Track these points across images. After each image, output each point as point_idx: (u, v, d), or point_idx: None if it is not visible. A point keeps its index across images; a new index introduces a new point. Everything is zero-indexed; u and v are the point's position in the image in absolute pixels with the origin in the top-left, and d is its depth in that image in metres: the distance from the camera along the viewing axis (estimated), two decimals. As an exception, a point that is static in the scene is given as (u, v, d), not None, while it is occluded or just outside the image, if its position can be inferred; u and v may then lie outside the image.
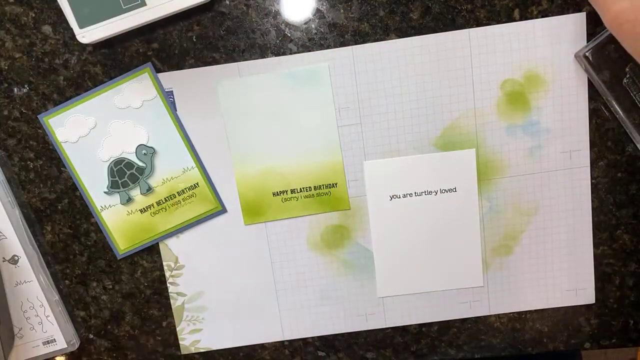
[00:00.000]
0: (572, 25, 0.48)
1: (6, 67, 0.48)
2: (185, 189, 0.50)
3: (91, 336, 0.54)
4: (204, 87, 0.49)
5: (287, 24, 0.48)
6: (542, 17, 0.47)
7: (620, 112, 0.47)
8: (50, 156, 0.50)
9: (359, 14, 0.47)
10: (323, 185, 0.50)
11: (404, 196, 0.51)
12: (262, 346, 0.54)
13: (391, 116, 0.49)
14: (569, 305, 0.53)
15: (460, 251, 0.52)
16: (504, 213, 0.51)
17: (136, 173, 0.50)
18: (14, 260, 0.49)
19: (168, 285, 0.53)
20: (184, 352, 0.54)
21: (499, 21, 0.48)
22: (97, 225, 0.51)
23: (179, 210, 0.51)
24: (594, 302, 0.53)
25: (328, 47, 0.48)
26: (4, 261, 0.49)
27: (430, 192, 0.50)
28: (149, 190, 0.50)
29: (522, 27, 0.48)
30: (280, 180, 0.50)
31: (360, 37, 0.48)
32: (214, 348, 0.54)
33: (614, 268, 0.52)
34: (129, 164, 0.49)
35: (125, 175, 0.50)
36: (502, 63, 0.48)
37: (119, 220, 0.51)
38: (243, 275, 0.52)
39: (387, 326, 0.53)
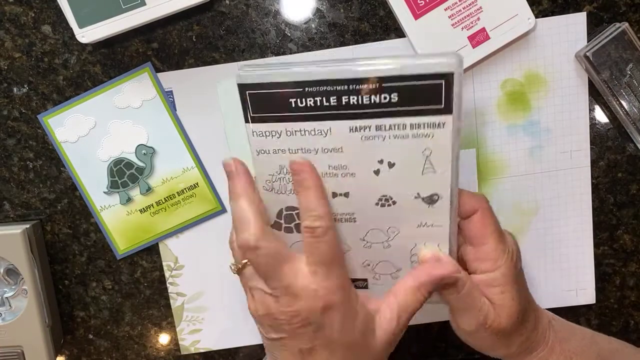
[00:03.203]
0: (573, 25, 0.47)
1: (6, 67, 0.48)
2: (184, 189, 0.50)
3: (91, 336, 0.54)
4: (203, 87, 0.48)
5: (287, 24, 0.48)
6: (542, 17, 0.47)
7: (621, 112, 0.47)
8: (49, 156, 0.50)
9: (359, 13, 0.47)
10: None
11: (404, 196, 0.50)
12: (262, 346, 0.54)
13: (391, 116, 0.49)
14: (569, 305, 0.53)
15: (460, 251, 0.51)
16: (505, 213, 0.51)
17: (136, 173, 0.50)
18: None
19: (168, 285, 0.52)
20: (183, 352, 0.54)
21: (499, 21, 0.48)
22: (97, 226, 0.51)
23: (178, 210, 0.51)
24: (594, 302, 0.53)
25: (328, 47, 0.48)
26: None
27: (430, 192, 0.50)
28: (149, 190, 0.50)
29: (523, 27, 0.48)
30: (280, 180, 0.50)
31: (360, 37, 0.48)
32: (214, 348, 0.54)
33: (614, 268, 0.52)
34: (129, 164, 0.49)
35: (125, 175, 0.49)
36: (502, 63, 0.48)
37: (119, 221, 0.50)
38: (243, 275, 0.52)
39: (387, 326, 0.53)
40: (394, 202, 0.36)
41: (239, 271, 0.36)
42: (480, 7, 0.45)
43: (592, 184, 0.51)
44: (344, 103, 0.33)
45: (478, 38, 0.45)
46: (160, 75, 0.48)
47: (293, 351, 0.35)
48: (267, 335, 0.36)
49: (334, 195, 0.36)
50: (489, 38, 0.46)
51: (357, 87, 0.33)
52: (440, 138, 0.33)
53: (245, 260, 0.35)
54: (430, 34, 0.45)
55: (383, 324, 0.36)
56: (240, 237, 0.34)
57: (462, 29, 0.45)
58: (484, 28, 0.45)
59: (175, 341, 0.54)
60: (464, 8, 0.45)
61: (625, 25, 0.46)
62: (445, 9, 0.45)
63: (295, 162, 0.34)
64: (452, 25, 0.45)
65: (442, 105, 0.32)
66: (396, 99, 0.33)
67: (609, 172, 0.51)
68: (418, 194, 0.36)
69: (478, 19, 0.45)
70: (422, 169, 0.35)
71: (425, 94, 0.32)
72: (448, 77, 0.32)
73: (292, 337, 0.35)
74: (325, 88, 0.33)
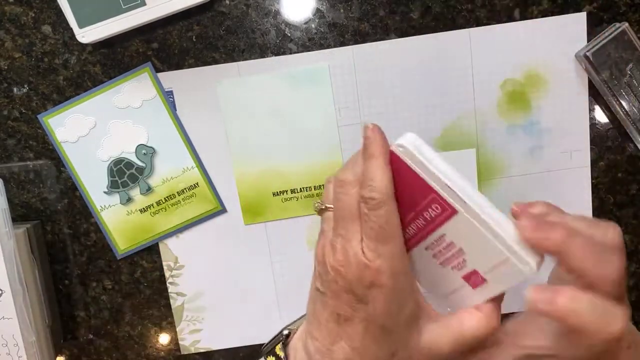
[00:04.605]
0: (572, 25, 0.47)
1: (6, 67, 0.48)
2: (185, 188, 0.50)
3: (91, 336, 0.54)
4: (204, 87, 0.49)
5: (287, 24, 0.48)
6: (542, 17, 0.47)
7: (621, 112, 0.47)
8: (50, 156, 0.50)
9: (359, 14, 0.47)
10: (323, 185, 0.50)
11: (404, 196, 0.50)
12: (262, 346, 0.54)
13: (391, 116, 0.49)
14: (569, 305, 0.53)
15: (460, 251, 0.51)
16: (504, 213, 0.51)
17: (136, 173, 0.50)
18: None
19: (168, 285, 0.52)
20: (184, 352, 0.54)
21: (499, 21, 0.48)
22: (97, 225, 0.51)
23: (178, 210, 0.51)
24: (594, 302, 0.53)
25: (328, 47, 0.48)
26: None
27: (430, 192, 0.50)
28: (149, 190, 0.50)
29: (522, 27, 0.48)
30: (280, 180, 0.50)
31: (360, 37, 0.48)
32: (214, 348, 0.54)
33: (614, 268, 0.52)
34: (129, 164, 0.49)
35: (125, 175, 0.50)
36: (502, 63, 0.48)
37: (119, 220, 0.50)
38: (243, 275, 0.52)
39: (387, 326, 0.53)
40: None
41: (321, 212, 0.35)
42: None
43: (592, 184, 0.51)
44: None
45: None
46: (160, 75, 0.48)
47: (332, 312, 0.34)
48: (316, 284, 0.35)
49: None
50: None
51: None
52: None
53: (331, 206, 0.33)
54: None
55: (433, 332, 0.34)
56: (365, 186, 0.32)
57: None
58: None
59: (175, 341, 0.54)
60: None
61: (625, 25, 0.46)
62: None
63: (367, 127, 0.32)
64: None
65: None
66: None
67: (609, 172, 0.51)
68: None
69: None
70: None
71: None
72: None
73: (334, 298, 0.33)
74: None
